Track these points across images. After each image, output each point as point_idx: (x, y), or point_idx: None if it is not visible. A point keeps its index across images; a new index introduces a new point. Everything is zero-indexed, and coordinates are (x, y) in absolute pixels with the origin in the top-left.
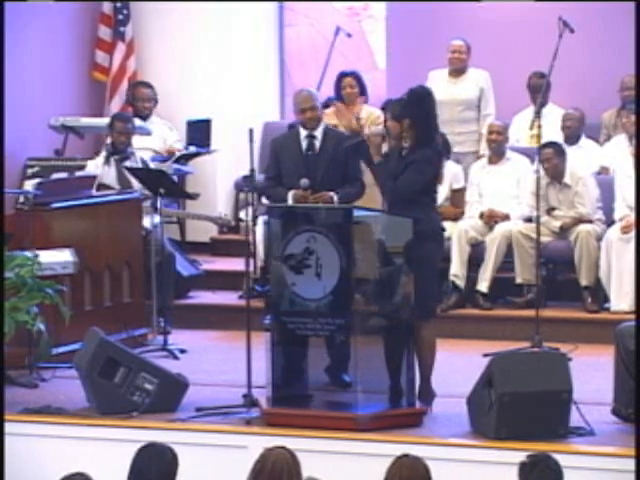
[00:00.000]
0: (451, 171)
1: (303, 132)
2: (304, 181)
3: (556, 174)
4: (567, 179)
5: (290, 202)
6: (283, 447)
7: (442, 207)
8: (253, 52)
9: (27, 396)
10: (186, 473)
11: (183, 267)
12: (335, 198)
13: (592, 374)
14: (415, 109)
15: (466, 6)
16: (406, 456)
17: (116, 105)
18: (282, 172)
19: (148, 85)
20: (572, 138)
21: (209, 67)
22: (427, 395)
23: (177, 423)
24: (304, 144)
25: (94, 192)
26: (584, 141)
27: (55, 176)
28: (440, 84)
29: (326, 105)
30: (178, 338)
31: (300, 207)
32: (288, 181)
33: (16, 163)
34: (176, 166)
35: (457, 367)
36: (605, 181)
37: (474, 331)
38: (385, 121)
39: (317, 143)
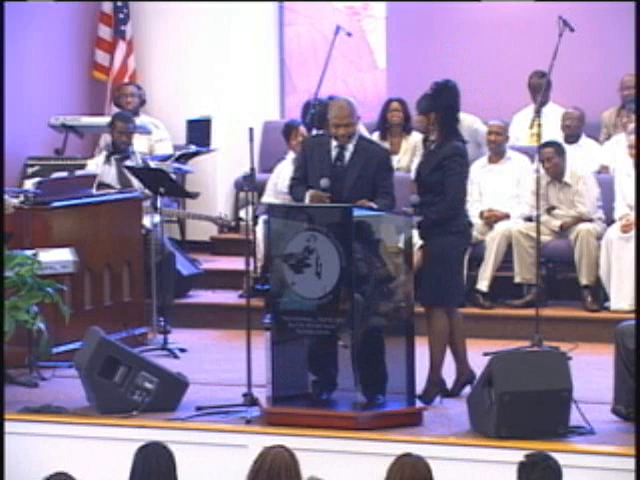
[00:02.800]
0: None
1: (336, 142)
2: (324, 181)
3: (557, 173)
4: (567, 178)
5: (307, 201)
6: (282, 446)
7: None
8: (253, 51)
9: (27, 395)
10: (186, 472)
11: (183, 266)
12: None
13: (592, 373)
14: (439, 102)
15: (466, 6)
16: (408, 455)
17: None
18: (309, 174)
19: (133, 84)
20: (572, 137)
21: (209, 66)
22: (432, 388)
23: (177, 422)
24: (334, 153)
25: (94, 191)
26: (584, 140)
27: (55, 175)
28: None
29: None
30: (178, 337)
31: (300, 207)
32: (313, 184)
33: (16, 162)
34: (176, 165)
35: None
36: (605, 180)
37: (474, 330)
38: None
39: (347, 154)
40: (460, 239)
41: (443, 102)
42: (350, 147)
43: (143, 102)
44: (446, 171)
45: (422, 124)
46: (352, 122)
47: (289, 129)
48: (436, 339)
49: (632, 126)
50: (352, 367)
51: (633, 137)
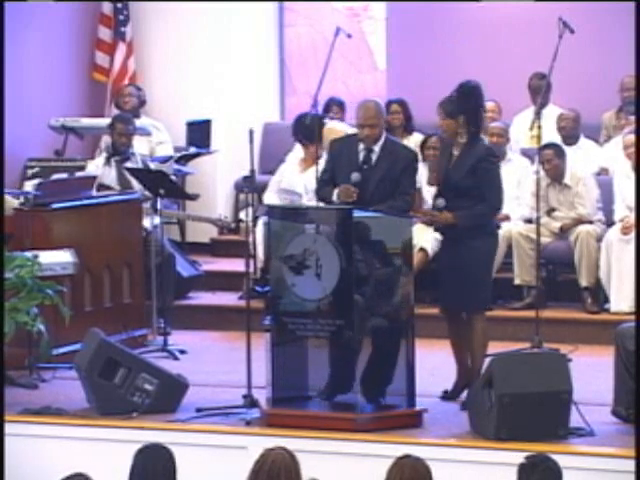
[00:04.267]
0: None
1: (362, 145)
2: (355, 175)
3: (556, 175)
4: (567, 180)
5: (334, 197)
6: (282, 448)
7: None
8: (253, 52)
9: (27, 397)
10: (186, 474)
11: (183, 268)
12: None
13: (592, 375)
14: (467, 104)
15: (466, 6)
16: (407, 457)
17: None
18: (336, 175)
19: (133, 85)
20: (570, 138)
21: (209, 67)
22: None
23: (177, 424)
24: (361, 155)
25: (94, 193)
26: (583, 141)
27: (55, 177)
28: None
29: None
30: (178, 339)
31: (300, 209)
32: (341, 184)
33: (16, 164)
34: (176, 167)
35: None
36: (605, 182)
37: None
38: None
39: (374, 157)
40: (495, 241)
41: (471, 104)
42: (377, 149)
43: (143, 103)
44: (482, 173)
45: (450, 128)
46: (376, 123)
47: None
48: (483, 342)
49: (628, 128)
50: (352, 368)
51: (628, 138)
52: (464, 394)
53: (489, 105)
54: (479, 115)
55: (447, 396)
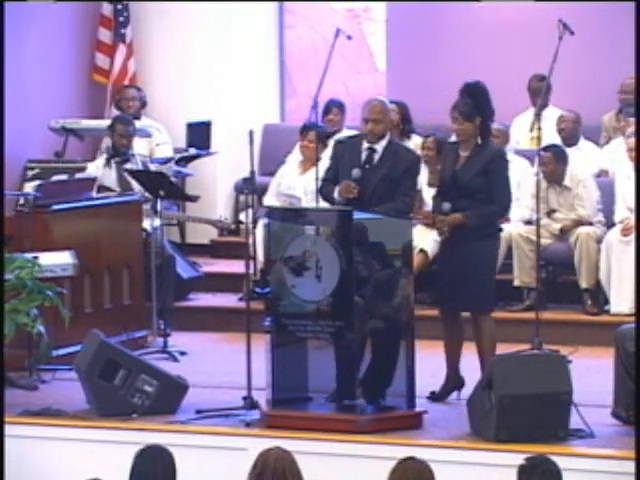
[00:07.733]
0: None
1: (365, 143)
2: (356, 171)
3: (553, 178)
4: (567, 181)
5: (336, 194)
6: (279, 447)
7: None
8: (253, 54)
9: (27, 398)
10: (186, 475)
11: (183, 269)
12: None
13: (592, 376)
14: (482, 104)
15: (466, 7)
16: (411, 459)
17: None
18: (339, 175)
19: (134, 86)
20: (569, 140)
21: (209, 69)
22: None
23: (177, 425)
24: (364, 155)
25: (94, 194)
26: (583, 143)
27: (55, 178)
28: None
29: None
30: (178, 340)
31: (300, 210)
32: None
33: (16, 165)
34: (176, 168)
35: None
36: (605, 183)
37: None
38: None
39: (376, 157)
40: (497, 243)
41: (486, 105)
42: (379, 150)
43: (144, 104)
44: (492, 175)
45: (467, 131)
46: (381, 119)
47: (304, 129)
48: (491, 344)
49: (631, 129)
50: (352, 370)
51: (632, 140)
52: (452, 396)
53: (495, 128)
54: (491, 116)
55: (434, 397)
